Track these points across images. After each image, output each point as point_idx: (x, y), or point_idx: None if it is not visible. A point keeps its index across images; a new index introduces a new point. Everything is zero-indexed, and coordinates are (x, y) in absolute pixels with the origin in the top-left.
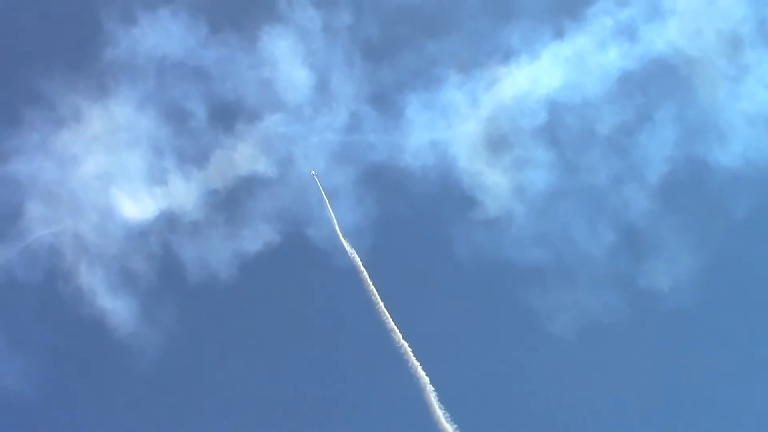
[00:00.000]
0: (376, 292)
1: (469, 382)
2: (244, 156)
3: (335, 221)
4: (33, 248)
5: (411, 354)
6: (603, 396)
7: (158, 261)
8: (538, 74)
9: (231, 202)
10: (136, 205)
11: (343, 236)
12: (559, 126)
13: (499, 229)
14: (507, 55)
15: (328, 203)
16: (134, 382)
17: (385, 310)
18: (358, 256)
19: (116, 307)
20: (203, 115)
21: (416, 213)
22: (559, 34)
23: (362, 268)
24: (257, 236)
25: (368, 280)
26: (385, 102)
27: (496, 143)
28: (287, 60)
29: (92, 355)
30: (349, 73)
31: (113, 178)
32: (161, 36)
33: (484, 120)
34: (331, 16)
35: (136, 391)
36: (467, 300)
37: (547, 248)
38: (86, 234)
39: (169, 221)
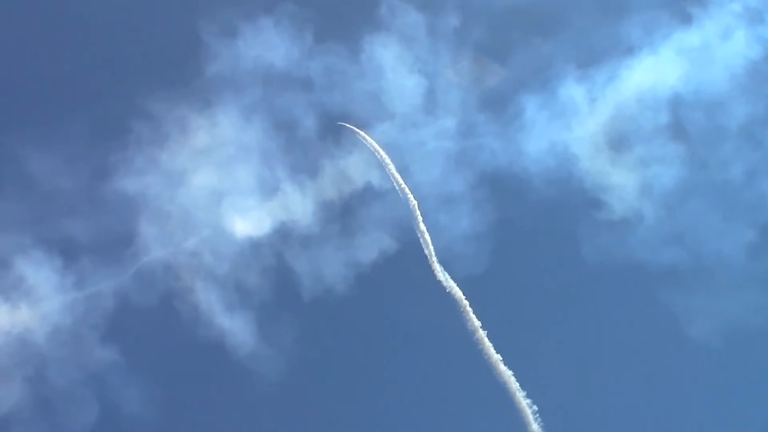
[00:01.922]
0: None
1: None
2: (356, 166)
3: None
4: (147, 270)
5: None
6: (754, 405)
7: (273, 276)
8: (661, 67)
9: (345, 212)
10: (249, 220)
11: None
12: (686, 120)
13: (628, 230)
14: (626, 50)
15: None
16: (255, 403)
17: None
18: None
19: (234, 327)
20: (311, 125)
21: (538, 217)
22: (681, 23)
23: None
24: (372, 245)
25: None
26: (499, 105)
27: (619, 141)
28: (393, 67)
29: (212, 377)
30: (458, 77)
31: (224, 192)
32: (264, 47)
33: (605, 118)
34: (435, 18)
35: (257, 413)
36: (599, 304)
37: (681, 248)
38: (200, 252)
39: (282, 235)
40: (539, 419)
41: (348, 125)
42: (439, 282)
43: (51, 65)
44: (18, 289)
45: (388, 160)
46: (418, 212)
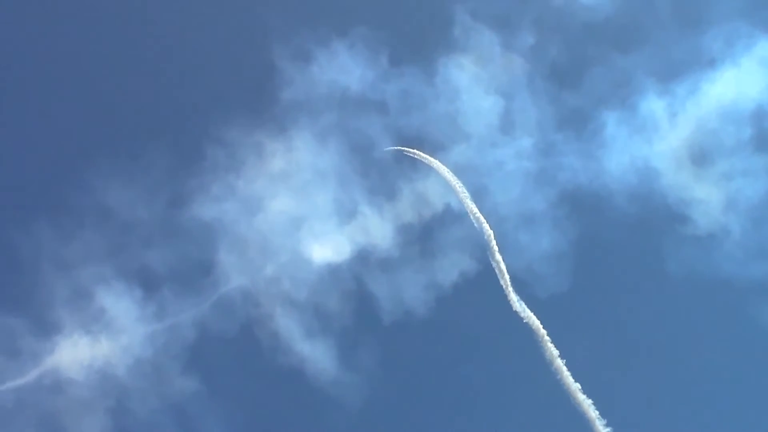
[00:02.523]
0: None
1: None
2: (434, 188)
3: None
4: (226, 299)
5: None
6: None
7: (353, 301)
8: (743, 78)
9: (424, 235)
10: (327, 245)
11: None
12: None
13: (714, 244)
14: (708, 62)
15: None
16: (338, 430)
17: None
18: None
19: (315, 354)
20: (388, 149)
21: (621, 235)
22: (764, 32)
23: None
24: (452, 267)
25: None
26: (578, 122)
27: (702, 155)
28: (469, 88)
29: (294, 405)
30: (536, 95)
31: (302, 218)
32: (339, 71)
33: (687, 132)
34: (510, 37)
35: None
36: (686, 322)
37: None
38: (279, 278)
39: (361, 259)
40: None
41: (413, 151)
42: (516, 312)
43: (127, 96)
44: (99, 321)
45: (459, 187)
46: (493, 241)
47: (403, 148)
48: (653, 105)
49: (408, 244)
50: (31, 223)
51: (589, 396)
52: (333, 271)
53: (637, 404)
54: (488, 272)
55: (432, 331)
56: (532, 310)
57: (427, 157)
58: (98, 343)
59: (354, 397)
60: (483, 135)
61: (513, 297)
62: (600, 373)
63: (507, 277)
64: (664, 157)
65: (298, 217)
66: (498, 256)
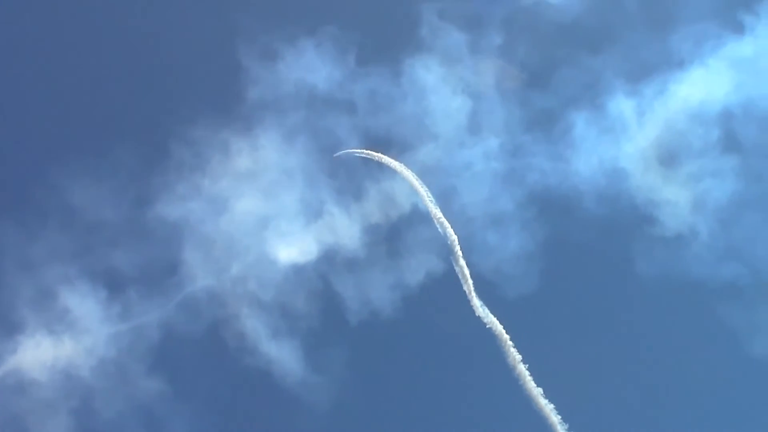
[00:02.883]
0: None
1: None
2: (401, 188)
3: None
4: (191, 299)
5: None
6: None
7: (320, 301)
8: (712, 79)
9: (391, 235)
10: (294, 245)
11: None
12: (738, 133)
13: (683, 246)
14: (676, 63)
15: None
16: None
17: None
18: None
19: (281, 355)
20: (355, 148)
21: (590, 236)
22: (733, 33)
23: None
24: (419, 268)
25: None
26: (546, 123)
27: (670, 156)
28: (436, 88)
29: (262, 406)
30: (504, 96)
31: (268, 217)
32: (306, 70)
33: (656, 133)
34: (478, 37)
35: None
36: (654, 324)
37: (738, 263)
38: (245, 279)
39: (328, 259)
40: None
41: (367, 153)
42: (478, 317)
43: (92, 94)
44: (62, 321)
45: (423, 190)
46: (457, 246)
47: (355, 151)
48: (622, 105)
49: (375, 244)
50: None
51: (551, 400)
52: (299, 271)
53: (601, 408)
54: (455, 274)
55: (398, 331)
56: (496, 314)
57: (384, 158)
58: (62, 343)
59: (321, 398)
60: (450, 135)
61: (476, 302)
62: (563, 377)
63: (470, 282)
64: (632, 158)
65: (264, 217)
66: (462, 261)
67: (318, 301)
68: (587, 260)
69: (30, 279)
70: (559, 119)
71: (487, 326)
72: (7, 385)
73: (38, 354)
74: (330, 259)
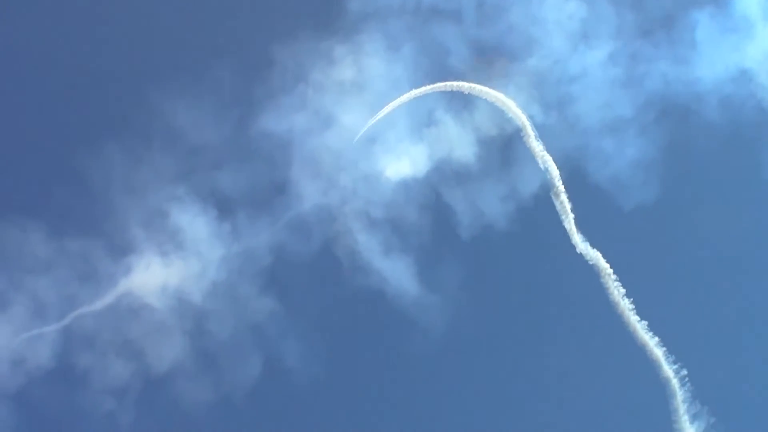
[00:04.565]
0: None
1: None
2: (515, 99)
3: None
4: (302, 218)
5: None
6: None
7: (432, 216)
8: None
9: (504, 147)
10: (404, 158)
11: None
12: None
13: None
14: None
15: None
16: (419, 354)
17: None
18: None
19: (394, 273)
20: (465, 58)
21: (713, 143)
22: None
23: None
24: (533, 179)
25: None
26: (665, 26)
27: None
28: None
29: (373, 327)
30: None
31: (376, 130)
32: None
33: None
34: None
35: (421, 363)
36: None
37: None
38: (355, 195)
39: (439, 172)
40: (689, 384)
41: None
42: (580, 254)
43: (190, 14)
44: (173, 243)
45: (524, 124)
46: (559, 182)
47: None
48: (747, 2)
49: (487, 155)
50: (99, 147)
51: (655, 333)
52: (410, 185)
53: (711, 341)
54: (574, 176)
55: (512, 245)
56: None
57: (478, 87)
58: (173, 265)
59: (435, 318)
60: (563, 42)
61: (577, 239)
62: (669, 310)
63: (572, 217)
64: (758, 59)
65: (372, 129)
66: (563, 197)
67: (429, 216)
68: (710, 168)
69: (138, 202)
70: (679, 20)
71: (590, 263)
72: (121, 308)
73: (151, 276)
74: (441, 172)
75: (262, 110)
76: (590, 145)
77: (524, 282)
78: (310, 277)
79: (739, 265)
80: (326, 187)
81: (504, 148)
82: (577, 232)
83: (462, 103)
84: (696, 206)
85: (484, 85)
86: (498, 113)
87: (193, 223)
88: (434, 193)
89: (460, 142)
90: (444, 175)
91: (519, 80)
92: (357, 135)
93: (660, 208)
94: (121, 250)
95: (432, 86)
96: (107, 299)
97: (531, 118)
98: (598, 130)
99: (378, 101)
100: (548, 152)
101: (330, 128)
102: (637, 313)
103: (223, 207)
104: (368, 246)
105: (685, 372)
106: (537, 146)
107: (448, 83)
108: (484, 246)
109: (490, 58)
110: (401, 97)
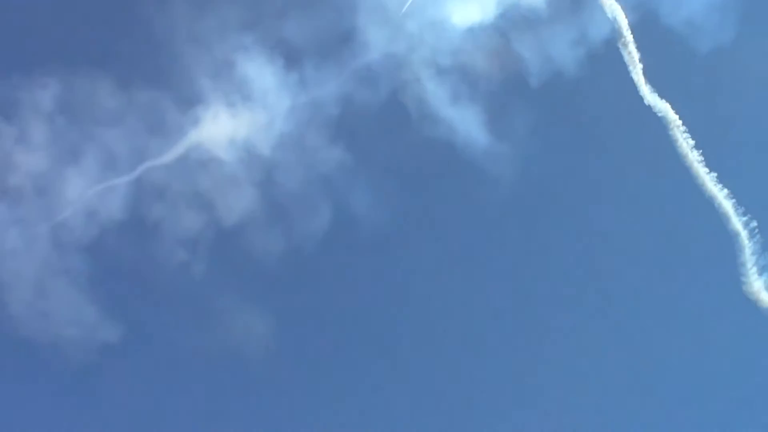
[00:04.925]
0: None
1: None
2: None
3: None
4: (368, 67)
5: None
6: None
7: (500, 63)
8: None
9: None
10: (471, 3)
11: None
12: None
13: None
14: None
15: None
16: (489, 205)
17: None
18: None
19: (463, 123)
20: None
21: None
22: None
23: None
24: (603, 24)
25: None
26: None
27: None
28: None
29: (443, 176)
30: None
31: None
32: None
33: None
34: None
35: (490, 213)
36: None
37: None
38: (422, 43)
39: (507, 18)
40: (758, 236)
41: None
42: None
43: None
44: (240, 93)
45: None
46: (627, 32)
47: None
48: None
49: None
50: None
51: (725, 186)
52: (477, 31)
53: None
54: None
55: (581, 92)
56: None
57: None
58: (241, 115)
59: (504, 167)
60: None
61: (645, 90)
62: (739, 161)
63: (640, 68)
64: None
65: None
66: (631, 47)
67: (498, 63)
68: None
69: (204, 52)
70: None
71: (659, 114)
72: (191, 159)
73: (219, 127)
74: (509, 18)
75: None
76: None
77: (592, 133)
78: (378, 127)
79: None
80: (391, 34)
81: None
82: (646, 83)
83: None
84: None
85: None
86: None
87: (260, 72)
88: (503, 39)
89: None
90: (512, 21)
91: None
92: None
93: (735, 52)
94: (189, 101)
95: None
96: (176, 151)
97: None
98: None
99: None
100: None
101: None
102: (707, 165)
103: (290, 56)
104: (436, 94)
105: (755, 224)
106: None
107: None
108: (553, 93)
109: None
110: None
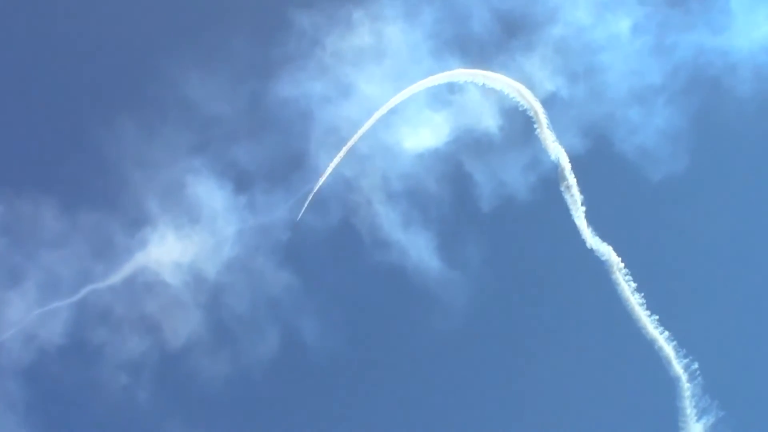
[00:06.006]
0: None
1: None
2: (538, 66)
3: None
4: (319, 191)
5: None
6: None
7: (453, 187)
8: None
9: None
10: (425, 128)
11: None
12: None
13: None
14: None
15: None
16: (442, 332)
17: None
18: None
19: (415, 247)
20: (485, 20)
21: (745, 115)
22: None
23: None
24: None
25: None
26: None
27: None
28: None
29: (393, 302)
30: None
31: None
32: None
33: None
34: None
35: (445, 347)
36: None
37: None
38: (374, 167)
39: (461, 143)
40: (699, 378)
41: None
42: (590, 250)
43: None
44: (189, 217)
45: (534, 111)
46: (570, 175)
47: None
48: None
49: (510, 126)
50: (112, 119)
51: (666, 328)
52: (430, 156)
53: (722, 336)
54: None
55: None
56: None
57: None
58: (189, 238)
59: (457, 293)
60: (589, 9)
61: (587, 234)
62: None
63: (582, 211)
64: None
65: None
66: (574, 190)
67: (450, 188)
68: (740, 142)
69: (153, 176)
70: None
71: (601, 258)
72: (137, 283)
73: (166, 250)
74: (462, 143)
75: (278, 79)
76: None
77: (537, 267)
78: (328, 252)
79: (757, 257)
80: (344, 159)
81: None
82: (588, 226)
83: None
84: (721, 183)
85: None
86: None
87: (209, 196)
88: (455, 164)
89: (481, 112)
90: (466, 146)
91: (544, 50)
92: (362, 128)
93: (686, 181)
94: (136, 223)
95: (445, 74)
96: (122, 274)
97: (552, 96)
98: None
99: (396, 70)
100: (560, 142)
101: (349, 98)
102: (648, 308)
103: (240, 180)
104: (387, 218)
105: (696, 365)
106: (549, 136)
107: (460, 72)
108: (505, 216)
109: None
110: (409, 87)
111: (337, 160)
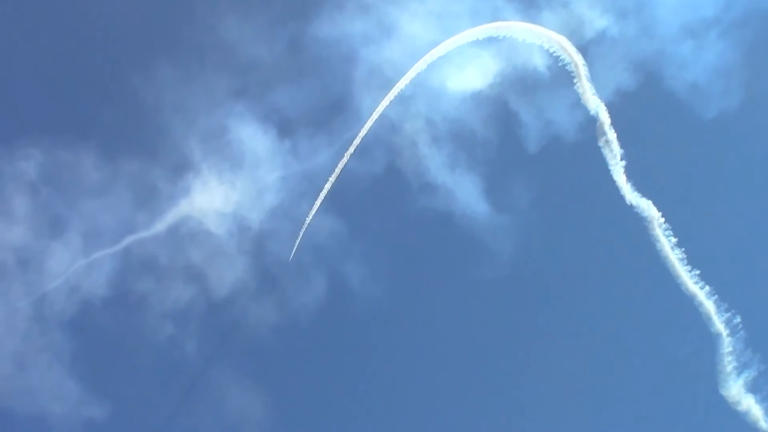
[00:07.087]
0: None
1: None
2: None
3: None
4: (366, 136)
5: None
6: None
7: (499, 129)
8: None
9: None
10: (470, 67)
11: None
12: None
13: None
14: None
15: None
16: (490, 282)
17: None
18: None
19: (460, 192)
20: None
21: None
22: None
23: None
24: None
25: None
26: None
27: None
28: None
29: (439, 247)
30: None
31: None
32: None
33: None
34: None
35: (491, 292)
36: None
37: None
38: (420, 109)
39: (508, 83)
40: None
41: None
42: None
43: None
44: (232, 162)
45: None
46: (606, 124)
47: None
48: None
49: (557, 64)
50: (151, 65)
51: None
52: (476, 97)
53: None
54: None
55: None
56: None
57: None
58: (232, 184)
59: (503, 238)
60: None
61: (627, 189)
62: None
63: (621, 166)
64: None
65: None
66: (614, 145)
67: (496, 128)
68: None
69: (194, 121)
70: None
71: (640, 214)
72: (181, 230)
73: (209, 197)
74: (510, 83)
75: (320, 22)
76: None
77: (579, 213)
78: (373, 197)
79: None
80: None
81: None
82: (627, 182)
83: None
84: None
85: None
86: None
87: (252, 141)
88: (502, 105)
89: (528, 52)
90: (513, 85)
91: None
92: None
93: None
94: (178, 170)
95: (484, 27)
96: (165, 222)
97: (601, 34)
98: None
99: (439, 8)
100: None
101: (391, 38)
102: (689, 263)
103: (284, 125)
104: (433, 161)
105: (738, 319)
106: (588, 90)
107: (499, 25)
108: (553, 158)
109: None
110: (444, 42)
111: (382, 105)
